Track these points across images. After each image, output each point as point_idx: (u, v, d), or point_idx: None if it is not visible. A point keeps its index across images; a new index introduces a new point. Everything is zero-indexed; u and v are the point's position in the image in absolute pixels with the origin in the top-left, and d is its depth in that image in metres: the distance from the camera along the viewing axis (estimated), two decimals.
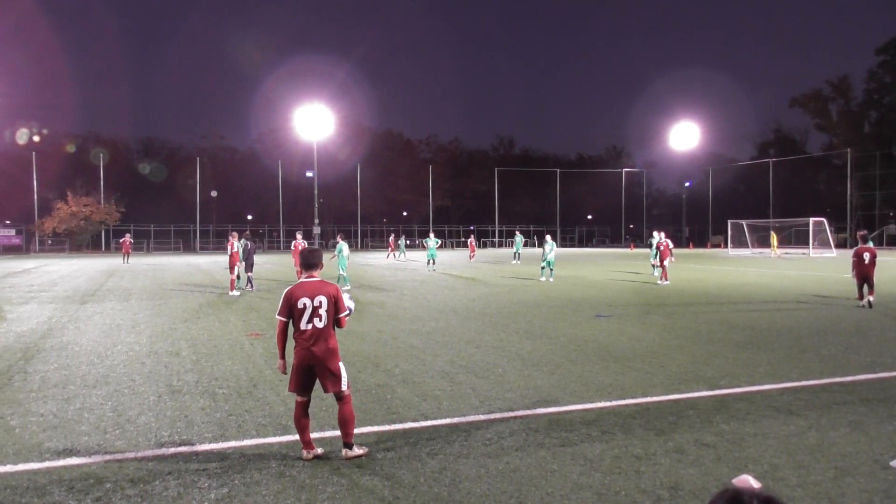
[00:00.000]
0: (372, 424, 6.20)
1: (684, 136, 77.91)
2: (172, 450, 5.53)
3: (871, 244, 15.63)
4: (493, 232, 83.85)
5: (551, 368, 8.62)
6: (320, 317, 5.27)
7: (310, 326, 5.27)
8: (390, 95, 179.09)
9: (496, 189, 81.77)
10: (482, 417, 6.38)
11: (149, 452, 5.46)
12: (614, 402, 6.92)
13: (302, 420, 5.32)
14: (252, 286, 19.92)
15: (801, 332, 11.64)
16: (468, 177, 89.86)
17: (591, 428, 6.04)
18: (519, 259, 38.59)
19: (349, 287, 19.85)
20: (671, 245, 22.50)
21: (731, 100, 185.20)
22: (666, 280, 21.87)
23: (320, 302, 5.28)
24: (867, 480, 4.75)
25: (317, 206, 67.94)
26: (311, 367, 5.28)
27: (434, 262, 30.38)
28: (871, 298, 14.96)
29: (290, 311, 5.32)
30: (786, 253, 48.88)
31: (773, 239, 47.71)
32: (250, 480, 4.85)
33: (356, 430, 5.55)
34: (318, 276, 5.54)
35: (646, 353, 9.69)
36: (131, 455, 5.40)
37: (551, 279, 23.23)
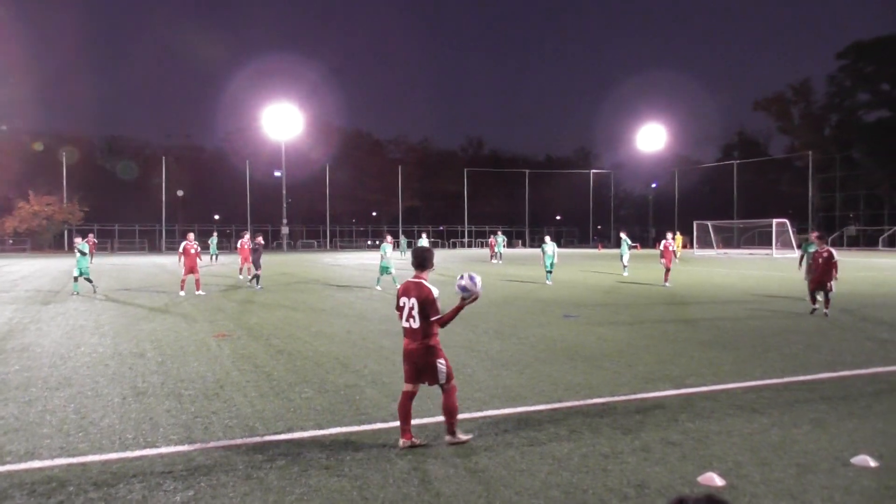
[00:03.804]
0: (340, 425, 6.16)
1: (651, 137, 79.08)
2: (137, 452, 5.42)
3: (826, 245, 14.16)
4: (463, 232, 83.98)
5: (520, 368, 8.67)
6: (413, 318, 5.58)
7: (407, 325, 5.64)
8: (359, 95, 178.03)
9: (465, 189, 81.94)
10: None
11: (113, 455, 5.35)
12: (582, 402, 6.98)
13: (403, 407, 5.56)
14: (257, 284, 20.93)
15: (765, 331, 11.88)
16: (438, 177, 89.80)
17: (559, 427, 6.08)
18: (500, 259, 38.77)
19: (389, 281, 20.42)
20: (672, 246, 22.04)
21: (697, 102, 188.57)
22: (665, 282, 21.29)
23: (413, 304, 5.59)
24: (828, 477, 4.86)
25: (285, 206, 67.36)
26: (413, 362, 5.60)
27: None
28: (826, 311, 13.56)
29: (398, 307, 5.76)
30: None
31: (677, 240, 47.37)
32: (217, 483, 4.78)
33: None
34: (425, 276, 5.77)
35: (613, 352, 9.80)
36: (95, 458, 5.28)
37: (549, 282, 22.26)
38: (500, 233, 41.94)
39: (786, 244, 50.06)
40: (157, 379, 8.09)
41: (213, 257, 37.92)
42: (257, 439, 5.75)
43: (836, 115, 72.15)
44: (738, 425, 6.11)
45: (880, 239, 58.09)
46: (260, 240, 21.47)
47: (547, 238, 23.74)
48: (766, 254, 48.92)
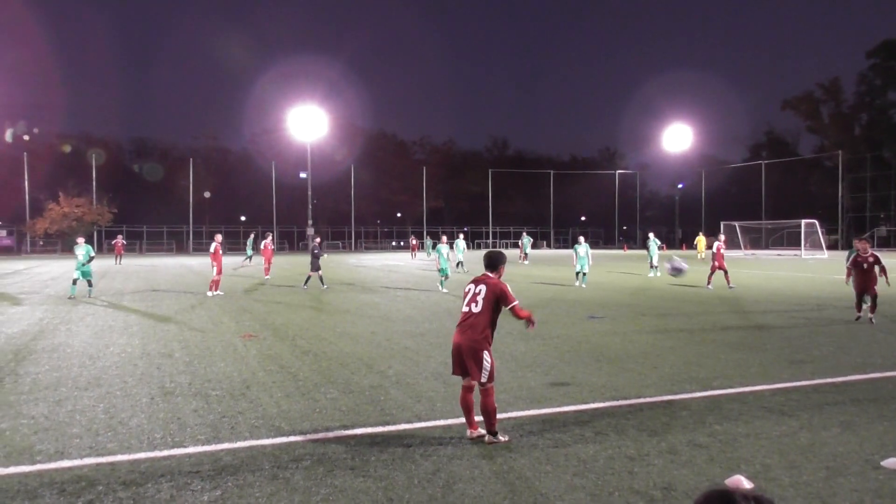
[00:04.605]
0: (365, 426, 6.19)
1: (677, 137, 78.15)
2: (165, 452, 5.50)
3: (870, 249, 13.14)
4: (487, 233, 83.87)
5: (545, 369, 8.64)
6: (477, 302, 5.66)
7: (467, 309, 5.70)
8: (384, 97, 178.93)
9: (490, 190, 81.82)
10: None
11: (141, 455, 5.44)
12: (608, 403, 6.93)
13: (463, 401, 5.72)
14: (323, 284, 21.33)
15: (793, 333, 11.69)
16: (462, 178, 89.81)
17: (584, 429, 6.05)
18: (527, 259, 38.72)
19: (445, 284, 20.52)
20: (723, 249, 21.04)
21: (724, 102, 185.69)
22: (730, 285, 20.47)
23: (482, 290, 5.69)
24: (858, 480, 4.78)
25: (311, 207, 67.83)
26: (461, 353, 5.65)
27: (462, 265, 29.82)
28: (872, 316, 12.64)
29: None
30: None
31: (701, 241, 46.91)
32: (243, 482, 4.83)
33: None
34: (493, 275, 5.88)
35: (639, 353, 9.72)
36: (123, 457, 5.37)
37: (584, 285, 21.23)
38: (525, 234, 41.93)
39: (815, 245, 49.20)
40: (184, 379, 8.21)
41: (249, 258, 38.30)
42: (283, 439, 5.81)
43: (866, 114, 70.78)
44: (766, 428, 6.02)
45: None
46: (318, 240, 22.34)
47: (581, 239, 22.38)
48: (795, 255, 48.11)
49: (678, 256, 9.15)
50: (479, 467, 5.10)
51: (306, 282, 21.57)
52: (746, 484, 2.15)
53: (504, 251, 6.46)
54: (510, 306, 5.68)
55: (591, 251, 21.97)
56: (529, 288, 21.24)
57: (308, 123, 64.84)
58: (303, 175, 72.17)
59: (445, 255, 20.85)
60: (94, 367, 8.99)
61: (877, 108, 69.31)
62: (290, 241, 79.08)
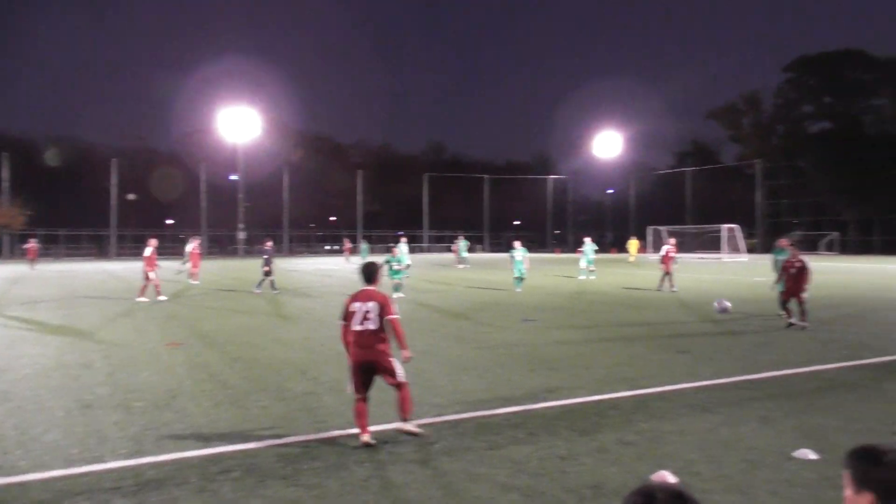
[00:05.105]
0: (298, 434, 6.07)
1: (608, 144, 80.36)
2: (82, 468, 5.24)
3: (798, 255, 13.06)
4: (423, 237, 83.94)
5: (480, 372, 8.70)
6: (370, 319, 5.88)
7: (361, 328, 5.89)
8: (319, 100, 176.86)
9: (426, 195, 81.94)
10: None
11: (56, 472, 5.15)
12: (540, 405, 7.04)
13: (360, 410, 5.86)
14: (273, 288, 20.94)
15: (715, 332, 12.18)
16: (398, 182, 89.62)
17: (518, 430, 6.12)
18: (462, 263, 38.87)
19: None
20: (673, 253, 21.35)
21: (652, 111, 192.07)
22: (673, 288, 20.72)
23: (371, 307, 5.91)
24: (773, 471, 5.01)
25: (242, 210, 66.32)
26: (365, 366, 5.91)
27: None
28: (805, 323, 12.40)
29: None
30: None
31: (632, 245, 48.78)
32: (168, 497, 4.66)
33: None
34: (373, 287, 6.10)
35: (571, 355, 9.92)
36: (36, 476, 5.08)
37: (518, 289, 20.95)
38: (462, 238, 42.11)
39: (735, 248, 51.49)
40: (104, 390, 7.86)
41: (185, 263, 36.76)
42: (211, 450, 5.63)
43: (783, 125, 74.53)
44: (690, 424, 6.25)
45: (821, 244, 60.19)
46: (270, 244, 21.92)
47: (517, 244, 22.02)
48: (717, 258, 50.16)
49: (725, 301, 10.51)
50: (414, 472, 5.08)
51: (259, 285, 21.20)
52: (671, 479, 2.22)
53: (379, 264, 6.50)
54: (390, 317, 5.89)
55: (527, 255, 21.94)
56: (466, 293, 21.37)
57: (239, 124, 63.42)
58: (234, 177, 70.46)
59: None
60: (2, 380, 8.48)
61: (793, 119, 73.07)
62: (221, 245, 76.99)
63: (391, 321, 5.90)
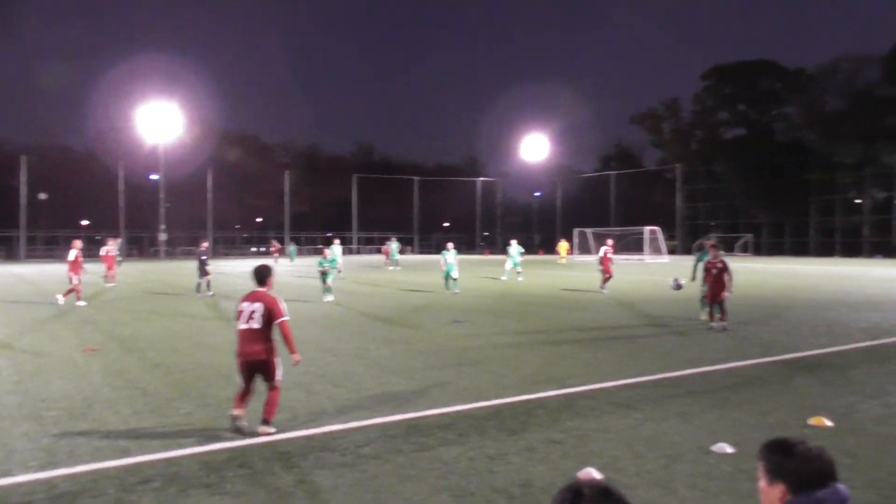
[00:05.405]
0: (222, 441, 5.91)
1: (535, 147, 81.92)
2: None
3: (721, 254, 13.37)
4: (352, 239, 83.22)
5: (409, 374, 8.69)
6: (254, 319, 6.12)
7: (246, 326, 6.14)
8: (244, 99, 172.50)
9: (355, 196, 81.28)
10: (339, 427, 6.29)
11: None
12: (470, 405, 7.09)
13: (242, 395, 6.22)
14: (209, 290, 20.78)
15: (638, 331, 12.60)
16: (327, 183, 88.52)
17: (447, 431, 6.15)
18: (397, 265, 38.71)
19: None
20: (610, 254, 21.54)
21: (579, 115, 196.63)
22: (603, 289, 21.02)
23: (257, 308, 6.14)
24: (692, 465, 5.23)
25: (163, 210, 64.03)
26: (249, 362, 6.18)
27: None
28: (726, 324, 12.61)
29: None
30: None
31: (562, 247, 50.26)
32: None
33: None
34: (263, 290, 6.32)
35: (499, 356, 10.04)
36: None
37: (457, 290, 20.87)
38: (394, 239, 41.97)
39: (657, 250, 53.44)
40: (13, 400, 7.42)
41: (118, 264, 34.90)
42: (130, 460, 5.41)
43: (701, 131, 77.74)
44: (615, 422, 6.43)
45: (736, 245, 63.22)
46: (206, 245, 21.51)
47: (449, 245, 22.02)
48: (640, 259, 51.89)
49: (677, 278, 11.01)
50: (343, 476, 5.03)
51: (198, 288, 20.85)
52: (597, 475, 2.27)
53: (270, 267, 6.69)
54: (278, 321, 6.12)
55: (458, 257, 21.82)
56: (396, 294, 21.31)
57: (160, 121, 61.19)
58: (154, 177, 67.93)
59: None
60: None
61: (710, 126, 76.36)
62: (140, 247, 73.98)
63: (280, 324, 6.10)
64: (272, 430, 6.03)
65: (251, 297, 6.23)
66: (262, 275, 6.40)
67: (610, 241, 22.43)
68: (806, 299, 18.92)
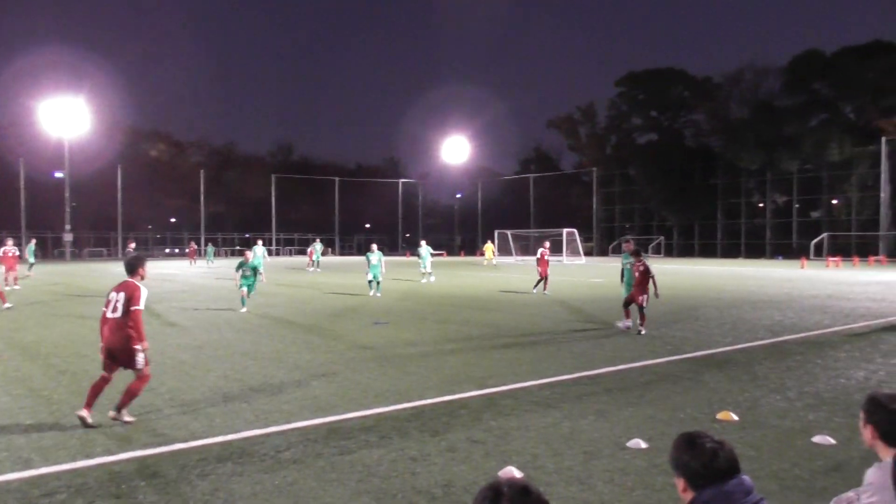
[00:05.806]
0: (134, 449, 5.66)
1: (455, 149, 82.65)
2: None
3: (643, 257, 13.49)
4: (271, 240, 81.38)
5: (330, 378, 8.59)
6: (117, 309, 6.34)
7: (111, 315, 6.36)
8: (155, 96, 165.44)
9: (274, 196, 79.54)
10: (258, 432, 6.15)
11: None
12: (392, 407, 7.08)
13: (97, 387, 6.40)
14: None
15: (557, 331, 12.92)
16: (244, 183, 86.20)
17: (369, 434, 6.12)
18: (318, 267, 38.02)
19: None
20: (548, 255, 21.85)
21: (499, 118, 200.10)
22: (545, 291, 21.37)
23: (121, 297, 6.36)
24: (609, 461, 5.41)
25: (68, 210, 60.73)
26: (112, 349, 6.36)
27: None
28: (642, 328, 12.46)
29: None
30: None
31: (489, 249, 51.32)
32: None
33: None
34: (132, 279, 6.54)
35: (421, 357, 10.07)
36: None
37: (378, 293, 20.52)
38: (318, 241, 41.34)
39: (574, 251, 54.95)
40: None
41: (30, 266, 32.22)
42: (33, 472, 5.10)
43: (615, 136, 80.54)
44: (535, 420, 6.58)
45: (649, 247, 65.81)
46: (132, 246, 20.23)
47: (373, 246, 21.53)
48: (559, 260, 53.19)
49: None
50: (262, 482, 4.92)
51: None
52: (517, 474, 2.32)
53: (142, 258, 6.96)
54: (133, 308, 6.30)
55: (383, 258, 21.40)
56: (320, 297, 21.01)
57: (65, 117, 58.00)
58: (59, 174, 64.31)
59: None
60: None
61: (623, 130, 79.19)
62: (44, 248, 69.81)
63: (133, 312, 6.30)
64: (128, 418, 6.36)
65: (118, 287, 6.47)
66: (130, 265, 6.64)
67: (546, 244, 23.00)
68: (713, 299, 19.92)
